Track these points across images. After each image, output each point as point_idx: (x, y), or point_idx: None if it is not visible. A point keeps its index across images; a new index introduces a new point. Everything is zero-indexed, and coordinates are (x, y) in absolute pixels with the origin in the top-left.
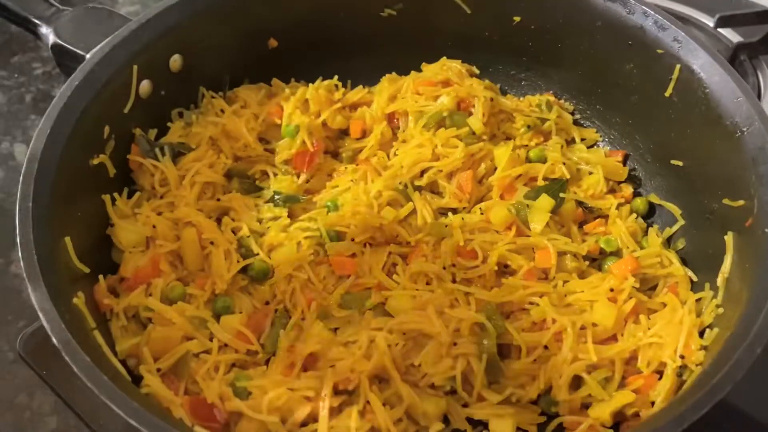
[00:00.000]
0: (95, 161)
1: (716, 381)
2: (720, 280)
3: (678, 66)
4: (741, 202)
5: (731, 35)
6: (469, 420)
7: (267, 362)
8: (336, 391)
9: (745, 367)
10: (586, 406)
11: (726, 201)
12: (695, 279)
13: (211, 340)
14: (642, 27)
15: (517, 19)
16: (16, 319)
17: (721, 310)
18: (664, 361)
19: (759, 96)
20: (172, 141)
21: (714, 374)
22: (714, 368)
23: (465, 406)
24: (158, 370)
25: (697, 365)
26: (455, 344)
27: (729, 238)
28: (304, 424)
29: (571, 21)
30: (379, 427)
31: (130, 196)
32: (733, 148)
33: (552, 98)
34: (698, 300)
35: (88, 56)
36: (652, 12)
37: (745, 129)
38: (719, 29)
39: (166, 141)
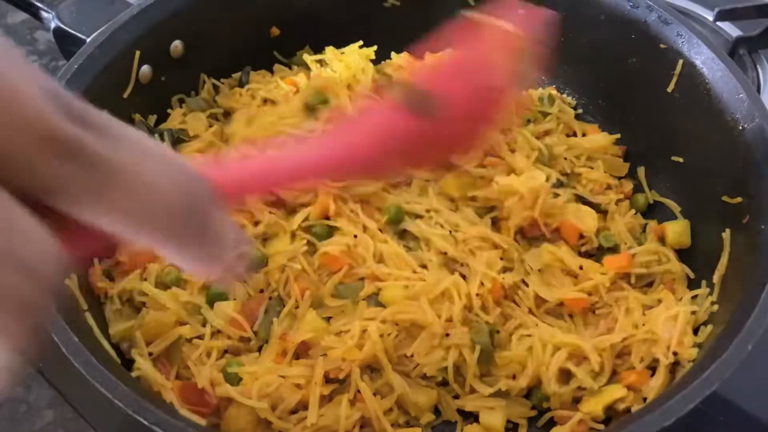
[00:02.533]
0: None
1: (705, 376)
2: (716, 277)
3: (681, 61)
4: (739, 199)
5: (731, 29)
6: (460, 411)
7: (260, 349)
8: (327, 380)
9: (735, 363)
10: (578, 402)
11: (725, 198)
12: (692, 276)
13: (204, 326)
14: (646, 21)
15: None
16: None
17: (715, 307)
18: (657, 358)
19: (758, 90)
20: (172, 127)
21: (704, 369)
22: (705, 363)
23: (456, 397)
24: (150, 354)
25: (689, 362)
26: (448, 335)
27: (726, 235)
28: (293, 411)
29: (574, 14)
30: (369, 417)
31: None
32: (733, 144)
33: (554, 92)
34: (694, 297)
35: (88, 40)
36: (657, 6)
37: (745, 125)
38: (718, 23)
39: (165, 127)
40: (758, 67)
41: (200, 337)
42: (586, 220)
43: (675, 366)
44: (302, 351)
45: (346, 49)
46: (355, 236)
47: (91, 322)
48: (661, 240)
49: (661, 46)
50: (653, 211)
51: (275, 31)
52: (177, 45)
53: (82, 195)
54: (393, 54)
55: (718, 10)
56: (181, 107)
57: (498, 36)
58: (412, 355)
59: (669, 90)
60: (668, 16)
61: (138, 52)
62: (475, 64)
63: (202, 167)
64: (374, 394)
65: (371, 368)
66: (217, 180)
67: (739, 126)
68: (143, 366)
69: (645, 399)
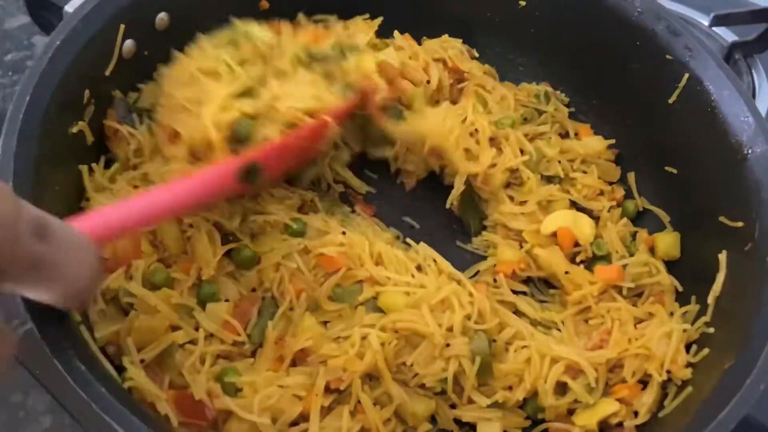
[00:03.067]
0: (74, 129)
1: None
2: (711, 298)
3: (686, 75)
4: (740, 224)
5: (726, 34)
6: (456, 421)
7: (253, 353)
8: (327, 390)
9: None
10: (571, 413)
11: (723, 219)
12: (680, 289)
13: (196, 329)
14: (653, 30)
15: (522, 3)
16: (10, 318)
17: (711, 330)
18: (649, 373)
19: (753, 95)
20: (145, 105)
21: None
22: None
23: (452, 407)
24: (141, 361)
25: (683, 381)
26: (448, 345)
27: (723, 257)
28: (294, 423)
29: (578, 13)
30: (368, 427)
31: (107, 166)
32: (735, 168)
33: (549, 89)
34: (684, 313)
35: (68, 9)
36: (666, 16)
37: (750, 150)
38: (714, 28)
39: (141, 105)
40: (753, 71)
41: (193, 342)
42: (584, 229)
43: (666, 382)
44: (299, 357)
45: (350, 22)
46: (344, 233)
47: (86, 335)
48: (651, 250)
49: (667, 56)
50: (640, 218)
51: (264, 4)
52: (163, 17)
53: (30, 284)
54: (396, 33)
55: (713, 15)
56: None
57: (318, 126)
58: (411, 364)
59: (670, 101)
60: (677, 27)
61: (123, 26)
62: (294, 147)
63: (82, 224)
64: (373, 404)
65: (369, 376)
66: (94, 234)
67: (743, 149)
68: (136, 376)
69: (636, 413)
